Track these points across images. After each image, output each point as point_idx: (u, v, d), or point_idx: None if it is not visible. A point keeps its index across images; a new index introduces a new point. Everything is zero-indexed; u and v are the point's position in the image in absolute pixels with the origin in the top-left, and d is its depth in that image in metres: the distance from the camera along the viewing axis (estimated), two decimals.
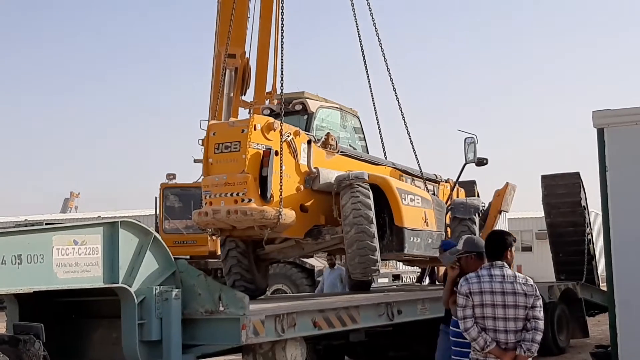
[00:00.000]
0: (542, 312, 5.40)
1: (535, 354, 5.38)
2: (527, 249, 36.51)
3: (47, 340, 6.97)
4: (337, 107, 12.10)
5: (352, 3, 12.75)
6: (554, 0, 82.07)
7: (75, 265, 7.05)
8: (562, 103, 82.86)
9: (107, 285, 7.37)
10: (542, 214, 17.37)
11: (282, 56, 10.46)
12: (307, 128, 11.18)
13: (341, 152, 11.50)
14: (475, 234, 12.40)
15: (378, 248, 10.56)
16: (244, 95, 16.84)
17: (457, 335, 6.18)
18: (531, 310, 5.34)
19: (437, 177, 13.99)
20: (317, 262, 18.76)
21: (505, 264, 5.51)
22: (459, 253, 6.31)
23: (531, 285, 5.42)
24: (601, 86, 76.84)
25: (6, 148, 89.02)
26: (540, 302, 5.42)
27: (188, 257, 17.32)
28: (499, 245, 5.57)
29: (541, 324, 5.36)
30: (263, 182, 9.89)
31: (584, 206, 16.22)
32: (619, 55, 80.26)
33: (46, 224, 7.24)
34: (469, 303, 5.34)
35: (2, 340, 6.74)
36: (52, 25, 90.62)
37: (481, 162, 13.05)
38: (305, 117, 11.39)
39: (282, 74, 10.37)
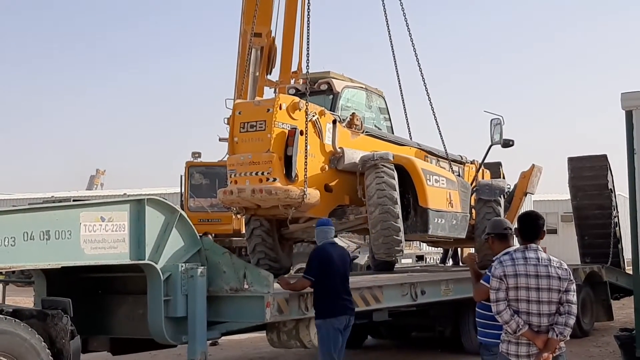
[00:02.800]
0: (575, 297, 5.35)
1: (568, 338, 5.35)
2: (553, 231, 36.22)
3: (74, 315, 7.06)
4: (362, 87, 12.07)
5: None
6: None
7: (102, 241, 7.12)
8: (591, 85, 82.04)
9: (133, 262, 7.43)
10: (567, 196, 17.26)
11: (308, 35, 10.45)
12: (333, 108, 11.18)
13: (366, 132, 11.49)
14: (500, 216, 12.36)
15: (402, 228, 10.56)
16: (270, 74, 16.81)
17: (483, 317, 6.16)
18: (565, 294, 5.28)
19: (462, 158, 13.93)
20: (341, 242, 18.79)
21: (539, 247, 5.46)
22: (484, 235, 6.31)
23: (565, 269, 5.37)
24: (630, 68, 75.90)
25: (32, 125, 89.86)
26: (574, 287, 5.35)
27: (212, 235, 17.41)
28: (534, 228, 5.49)
29: (574, 308, 5.29)
30: (288, 162, 9.91)
31: (610, 189, 16.08)
32: None
33: (73, 200, 7.30)
34: (502, 286, 5.30)
35: (30, 315, 6.82)
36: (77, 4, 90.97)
37: (507, 143, 12.98)
38: (331, 96, 11.38)
39: (307, 54, 10.37)
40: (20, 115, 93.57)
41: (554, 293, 5.26)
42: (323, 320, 7.92)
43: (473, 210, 12.87)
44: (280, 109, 9.98)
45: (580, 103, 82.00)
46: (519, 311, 5.26)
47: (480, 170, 14.00)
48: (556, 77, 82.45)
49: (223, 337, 8.60)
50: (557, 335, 5.23)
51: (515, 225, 5.68)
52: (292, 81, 15.44)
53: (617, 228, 16.23)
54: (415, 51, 12.69)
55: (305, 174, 9.89)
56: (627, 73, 72.39)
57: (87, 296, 8.21)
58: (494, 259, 5.65)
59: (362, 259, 17.74)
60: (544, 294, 5.25)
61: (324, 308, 7.90)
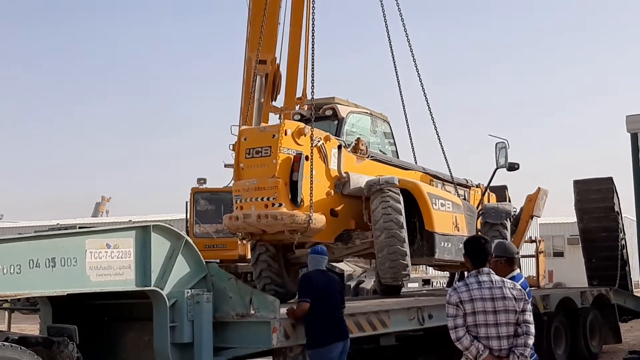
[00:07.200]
0: (532, 316, 5.39)
1: (529, 358, 5.35)
2: (559, 254, 36.17)
3: (80, 342, 7.04)
4: (367, 112, 12.11)
5: (382, 9, 12.78)
6: (591, 2, 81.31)
7: (108, 268, 7.11)
8: (596, 107, 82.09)
9: (139, 288, 7.41)
10: (574, 219, 17.24)
11: (312, 62, 10.49)
12: (338, 133, 11.20)
13: (371, 157, 11.51)
14: (506, 239, 12.33)
15: (408, 253, 10.54)
16: (275, 100, 16.90)
17: None
18: (521, 315, 5.32)
19: (468, 182, 13.93)
20: (347, 267, 18.75)
21: (491, 270, 5.49)
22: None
23: (519, 289, 5.42)
24: (636, 90, 75.96)
25: (38, 152, 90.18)
26: (529, 306, 5.43)
27: (218, 260, 17.38)
28: (482, 252, 5.54)
29: (532, 327, 5.34)
30: (293, 187, 9.92)
31: (617, 211, 16.06)
32: None
33: (79, 227, 7.31)
34: (460, 312, 5.30)
35: (36, 342, 6.81)
36: (85, 31, 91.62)
37: (512, 166, 12.99)
38: (336, 122, 11.41)
39: (312, 80, 10.39)
40: (25, 142, 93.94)
41: (510, 314, 5.29)
42: (313, 351, 7.95)
43: (479, 234, 12.85)
44: (286, 134, 10.00)
45: (585, 124, 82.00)
46: (478, 336, 5.24)
47: (486, 194, 14.00)
48: (562, 98, 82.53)
49: None
50: (518, 357, 5.25)
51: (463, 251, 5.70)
52: (297, 107, 15.52)
53: (624, 250, 16.20)
54: (419, 76, 12.76)
55: (311, 199, 9.89)
56: (634, 95, 72.44)
57: (93, 323, 8.19)
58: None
59: (369, 284, 17.69)
60: (502, 315, 5.26)
61: (313, 337, 7.93)
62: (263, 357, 9.21)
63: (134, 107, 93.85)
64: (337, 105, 11.52)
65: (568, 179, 16.92)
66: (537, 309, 11.63)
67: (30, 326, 16.02)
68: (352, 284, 18.20)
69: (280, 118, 15.69)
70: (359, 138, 11.29)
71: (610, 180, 16.19)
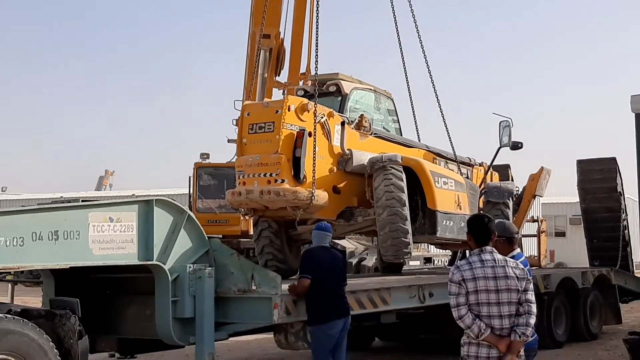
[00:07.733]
0: (533, 296, 5.37)
1: (530, 338, 5.36)
2: (561, 234, 36.21)
3: (83, 315, 7.06)
4: (371, 89, 12.07)
5: None
6: None
7: (110, 242, 7.11)
8: (600, 86, 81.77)
9: (141, 263, 7.41)
10: (576, 199, 17.24)
11: (316, 37, 10.45)
12: (341, 109, 11.17)
13: (375, 134, 11.49)
14: (509, 218, 12.35)
15: (410, 231, 10.55)
16: (278, 76, 16.84)
17: None
18: (523, 294, 5.30)
19: (471, 161, 13.92)
20: (349, 244, 18.79)
21: (494, 249, 5.48)
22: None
23: (522, 268, 5.40)
24: None
25: (41, 125, 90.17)
26: (532, 286, 5.40)
27: (220, 236, 17.41)
28: (485, 231, 5.51)
29: (534, 307, 5.32)
30: (296, 163, 9.92)
31: (619, 192, 16.06)
32: None
33: (82, 201, 7.30)
34: (462, 291, 5.28)
35: (38, 315, 6.82)
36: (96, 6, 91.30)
37: (516, 145, 12.97)
38: (339, 98, 11.38)
39: (316, 55, 10.37)
40: (29, 115, 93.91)
41: (513, 293, 5.27)
42: (315, 327, 7.96)
43: (481, 213, 12.85)
44: (289, 110, 9.98)
45: (589, 104, 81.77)
46: (480, 315, 5.25)
47: (489, 173, 13.99)
48: (567, 78, 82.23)
49: (231, 338, 8.59)
50: (519, 337, 5.23)
51: (466, 230, 5.69)
52: (301, 83, 15.46)
53: (626, 231, 16.22)
54: (424, 53, 12.69)
55: (314, 176, 9.89)
56: (638, 74, 72.11)
57: (95, 296, 8.22)
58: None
59: (370, 261, 17.74)
60: (504, 294, 5.25)
61: (314, 314, 7.94)
62: (264, 333, 9.27)
63: (139, 81, 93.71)
64: (341, 81, 11.48)
65: (572, 159, 16.90)
66: (537, 288, 11.66)
67: (33, 299, 16.10)
68: (354, 261, 18.24)
69: (283, 93, 15.64)
70: (362, 115, 11.27)
71: (613, 160, 16.17)
